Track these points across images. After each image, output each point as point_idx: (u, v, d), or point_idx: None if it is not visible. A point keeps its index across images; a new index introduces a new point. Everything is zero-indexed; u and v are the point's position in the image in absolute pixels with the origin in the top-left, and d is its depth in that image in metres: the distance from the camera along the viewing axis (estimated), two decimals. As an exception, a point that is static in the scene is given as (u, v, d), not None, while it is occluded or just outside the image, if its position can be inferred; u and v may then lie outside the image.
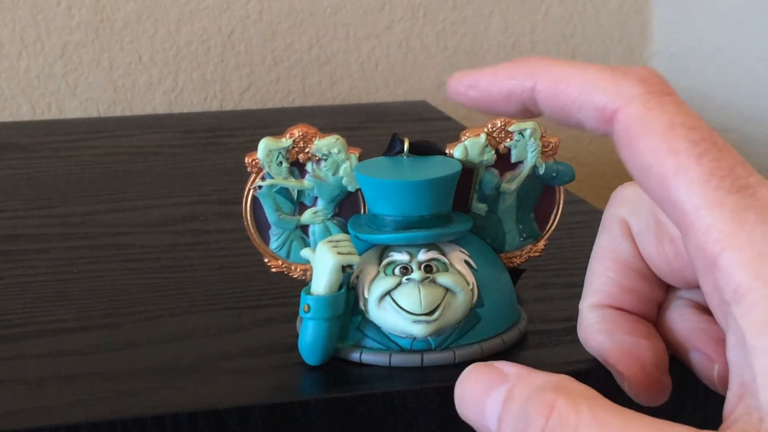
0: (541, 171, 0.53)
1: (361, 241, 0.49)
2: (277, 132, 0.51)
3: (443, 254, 0.48)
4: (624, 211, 0.32)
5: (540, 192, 0.54)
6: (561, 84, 0.31)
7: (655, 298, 0.33)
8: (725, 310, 0.27)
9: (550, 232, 0.54)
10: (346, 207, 0.52)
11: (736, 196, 0.28)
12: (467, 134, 0.51)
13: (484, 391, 0.30)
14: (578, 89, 0.31)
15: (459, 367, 0.48)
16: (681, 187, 0.29)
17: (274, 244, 0.52)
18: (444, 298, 0.47)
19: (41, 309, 0.57)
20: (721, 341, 0.33)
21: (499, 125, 0.52)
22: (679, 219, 0.29)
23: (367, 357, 0.49)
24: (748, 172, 0.30)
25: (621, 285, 0.36)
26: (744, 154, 1.09)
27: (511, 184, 0.53)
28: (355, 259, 0.47)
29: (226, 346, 0.52)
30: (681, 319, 0.34)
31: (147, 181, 0.81)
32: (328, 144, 0.50)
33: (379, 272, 0.48)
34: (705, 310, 0.33)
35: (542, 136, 0.52)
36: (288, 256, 0.52)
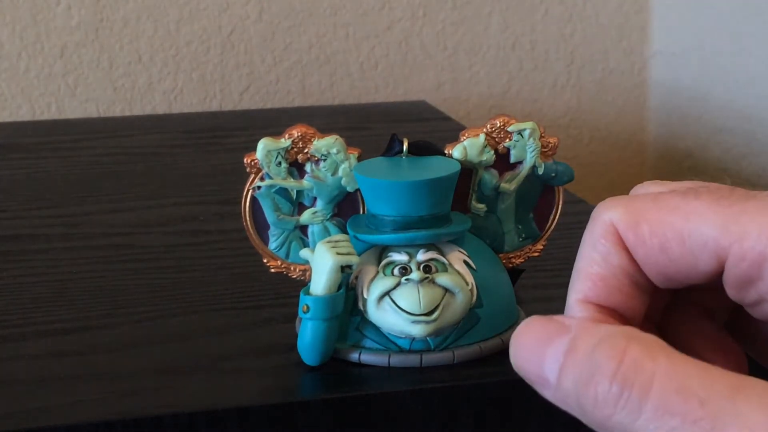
0: (540, 171, 0.53)
1: (360, 241, 0.49)
2: (277, 132, 0.51)
3: (442, 254, 0.49)
4: (615, 218, 0.32)
5: (539, 192, 0.54)
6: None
7: (642, 303, 0.33)
8: None
9: (549, 232, 0.55)
10: (345, 207, 0.52)
11: (752, 201, 0.29)
12: (466, 134, 0.51)
13: (544, 342, 0.29)
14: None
15: (458, 367, 0.49)
16: (700, 226, 0.29)
17: (273, 245, 0.52)
18: (443, 298, 0.47)
19: (41, 309, 0.57)
20: (724, 347, 0.33)
21: (498, 125, 0.52)
22: (716, 252, 0.29)
23: (366, 357, 0.49)
24: (744, 190, 0.30)
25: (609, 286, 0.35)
26: (744, 154, 1.08)
27: (510, 184, 0.53)
28: (354, 260, 0.47)
29: (225, 346, 0.52)
30: (685, 324, 0.34)
31: (146, 181, 0.81)
32: (327, 144, 0.50)
33: (378, 272, 0.48)
34: (710, 315, 0.33)
35: (541, 137, 0.52)
36: (287, 256, 0.52)
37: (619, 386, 0.27)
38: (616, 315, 0.32)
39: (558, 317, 0.30)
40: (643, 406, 0.26)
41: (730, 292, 0.30)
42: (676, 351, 0.27)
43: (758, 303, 0.29)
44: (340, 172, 0.51)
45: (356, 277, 0.48)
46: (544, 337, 0.29)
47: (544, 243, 0.55)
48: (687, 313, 0.34)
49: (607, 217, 0.31)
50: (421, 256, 0.48)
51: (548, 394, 0.29)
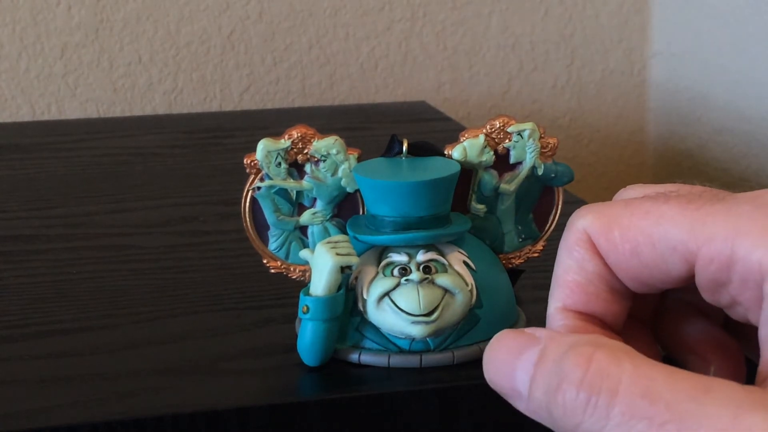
0: (540, 172, 0.53)
1: (360, 242, 0.49)
2: (277, 133, 0.51)
3: (442, 255, 0.49)
4: (587, 225, 0.32)
5: (539, 193, 0.54)
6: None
7: (622, 308, 0.33)
8: (758, 294, 0.27)
9: (549, 232, 0.55)
10: (345, 208, 0.52)
11: (719, 204, 0.29)
12: (466, 135, 0.52)
13: (514, 355, 0.29)
14: None
15: (458, 368, 0.49)
16: (669, 230, 0.29)
17: (273, 245, 0.52)
18: (443, 299, 0.47)
19: (41, 309, 0.57)
20: (716, 343, 0.33)
21: (498, 126, 0.52)
22: (685, 256, 0.29)
23: (366, 358, 0.49)
24: (715, 192, 0.30)
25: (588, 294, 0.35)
26: (744, 154, 1.08)
27: (510, 184, 0.53)
28: (354, 260, 0.47)
29: (225, 347, 0.52)
30: (677, 322, 0.34)
31: (146, 181, 0.81)
32: (327, 145, 0.50)
33: (377, 273, 0.48)
34: (700, 312, 0.33)
35: (541, 137, 0.52)
36: (287, 257, 0.52)
37: (586, 393, 0.27)
38: (596, 321, 0.32)
39: (529, 330, 0.30)
40: (611, 412, 0.26)
41: (704, 295, 0.30)
42: (642, 356, 0.27)
43: (732, 305, 0.29)
44: (339, 173, 0.51)
45: (356, 278, 0.48)
46: (514, 349, 0.29)
47: (544, 243, 0.55)
48: (682, 312, 0.34)
49: (580, 225, 0.31)
50: (421, 256, 0.48)
51: (521, 407, 0.29)
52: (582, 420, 0.27)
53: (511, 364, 0.29)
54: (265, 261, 0.52)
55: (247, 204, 0.51)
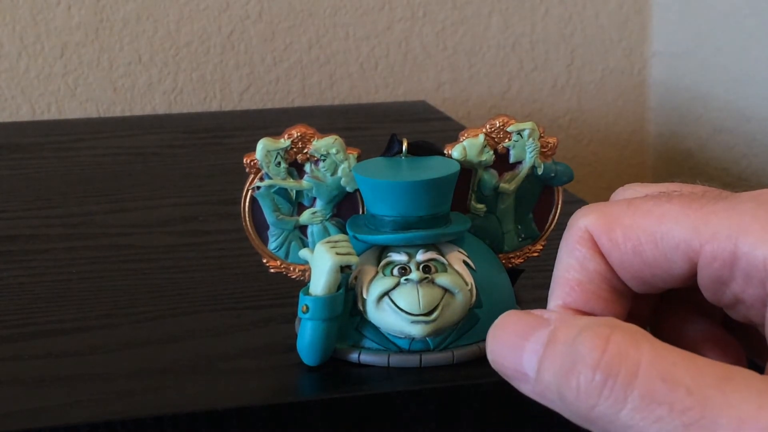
0: (540, 171, 0.53)
1: (360, 241, 0.49)
2: (277, 132, 0.51)
3: (442, 255, 0.49)
4: (589, 223, 0.32)
5: (539, 192, 0.54)
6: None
7: (622, 308, 0.33)
8: (761, 291, 0.27)
9: (548, 232, 0.55)
10: (345, 207, 0.52)
11: (721, 203, 0.29)
12: (466, 135, 0.52)
13: (521, 336, 0.28)
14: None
15: (458, 367, 0.49)
16: (672, 229, 0.29)
17: (272, 245, 0.52)
18: (442, 298, 0.47)
19: (41, 309, 0.57)
20: (716, 342, 0.33)
21: (497, 125, 0.52)
22: (687, 254, 0.29)
23: (366, 357, 0.49)
24: (717, 191, 0.30)
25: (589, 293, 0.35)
26: (744, 154, 1.08)
27: (510, 184, 0.53)
28: (353, 260, 0.47)
29: (225, 346, 0.52)
30: (677, 322, 0.34)
31: (146, 181, 0.81)
32: (326, 144, 0.50)
33: (377, 273, 0.48)
34: (700, 312, 0.33)
35: (540, 137, 0.52)
36: (287, 256, 0.52)
37: (603, 375, 0.26)
38: None
39: (536, 311, 0.29)
40: (629, 395, 0.26)
41: (706, 294, 0.30)
42: (659, 340, 0.27)
43: (734, 304, 0.29)
44: (339, 173, 0.51)
45: (356, 278, 0.48)
46: (522, 330, 0.29)
47: (543, 243, 0.55)
48: (682, 312, 0.34)
49: (582, 224, 0.31)
50: (421, 256, 0.48)
51: (527, 389, 0.29)
52: (597, 403, 0.26)
53: (518, 344, 0.29)
54: (264, 261, 0.52)
55: (247, 204, 0.51)
